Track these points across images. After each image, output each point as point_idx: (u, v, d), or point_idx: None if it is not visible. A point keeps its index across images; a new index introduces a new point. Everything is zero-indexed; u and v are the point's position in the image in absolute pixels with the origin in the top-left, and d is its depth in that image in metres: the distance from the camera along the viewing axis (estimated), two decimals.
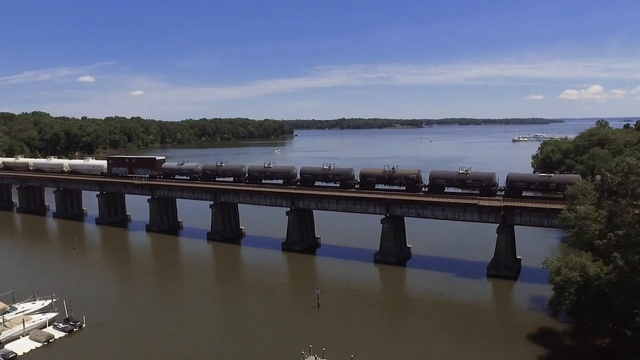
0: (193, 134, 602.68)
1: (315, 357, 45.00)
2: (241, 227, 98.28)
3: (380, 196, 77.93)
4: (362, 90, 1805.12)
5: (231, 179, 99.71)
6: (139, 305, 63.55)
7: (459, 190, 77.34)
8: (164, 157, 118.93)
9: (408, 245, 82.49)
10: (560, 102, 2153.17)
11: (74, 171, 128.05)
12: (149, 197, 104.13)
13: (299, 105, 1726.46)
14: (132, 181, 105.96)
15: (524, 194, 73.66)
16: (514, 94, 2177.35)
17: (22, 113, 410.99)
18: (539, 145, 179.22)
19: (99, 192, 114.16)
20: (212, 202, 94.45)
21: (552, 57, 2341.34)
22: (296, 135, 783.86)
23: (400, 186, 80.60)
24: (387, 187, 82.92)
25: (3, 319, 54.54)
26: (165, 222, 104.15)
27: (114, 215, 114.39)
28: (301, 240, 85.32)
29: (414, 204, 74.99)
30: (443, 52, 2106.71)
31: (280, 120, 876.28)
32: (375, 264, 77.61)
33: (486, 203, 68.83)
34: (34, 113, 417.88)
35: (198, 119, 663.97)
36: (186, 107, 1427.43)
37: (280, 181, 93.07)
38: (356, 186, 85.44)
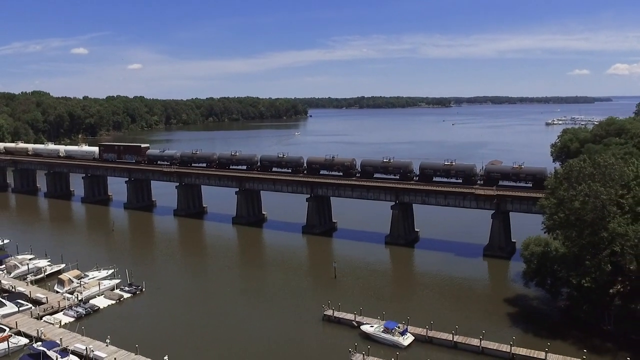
0: (199, 115, 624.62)
1: (333, 310, 65.33)
2: (263, 212, 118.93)
3: (390, 185, 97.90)
4: (384, 64, 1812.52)
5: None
6: (183, 275, 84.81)
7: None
8: (148, 145, 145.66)
9: (416, 230, 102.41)
10: (608, 77, 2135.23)
11: (69, 156, 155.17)
12: (177, 183, 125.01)
13: (313, 81, 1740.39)
14: (161, 169, 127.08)
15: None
16: (555, 69, 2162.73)
17: (22, 92, 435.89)
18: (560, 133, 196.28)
19: (127, 179, 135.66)
20: (237, 189, 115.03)
21: (600, 26, 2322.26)
22: (310, 116, 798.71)
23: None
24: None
25: (81, 283, 75.81)
26: (191, 207, 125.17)
27: (141, 201, 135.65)
28: (319, 224, 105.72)
29: (420, 192, 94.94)
30: (475, 20, 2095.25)
31: (293, 98, 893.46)
32: (386, 245, 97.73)
33: (482, 192, 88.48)
34: (34, 93, 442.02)
35: (205, 98, 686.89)
36: (190, 83, 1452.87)
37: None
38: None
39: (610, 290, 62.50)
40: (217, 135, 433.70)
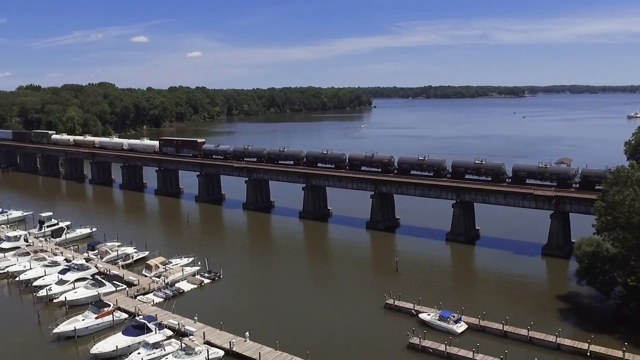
0: (261, 105, 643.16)
1: (393, 299, 75.16)
2: (329, 208, 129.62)
3: (451, 184, 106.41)
4: (453, 50, 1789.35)
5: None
6: (254, 265, 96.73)
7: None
8: (204, 140, 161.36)
9: (477, 228, 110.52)
10: None
11: (132, 149, 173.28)
12: (246, 178, 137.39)
13: (377, 69, 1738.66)
14: (231, 164, 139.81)
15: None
16: None
17: (89, 84, 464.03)
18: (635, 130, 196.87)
19: (198, 173, 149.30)
20: (304, 185, 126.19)
21: None
22: (375, 107, 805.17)
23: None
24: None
25: (166, 268, 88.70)
26: (259, 201, 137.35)
27: (211, 194, 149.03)
28: (383, 220, 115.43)
29: (480, 192, 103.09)
30: (552, 2, 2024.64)
31: (356, 87, 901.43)
32: (447, 242, 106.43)
33: (540, 192, 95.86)
34: (100, 84, 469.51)
35: (266, 89, 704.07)
36: (250, 71, 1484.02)
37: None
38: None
39: None
40: (278, 128, 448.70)
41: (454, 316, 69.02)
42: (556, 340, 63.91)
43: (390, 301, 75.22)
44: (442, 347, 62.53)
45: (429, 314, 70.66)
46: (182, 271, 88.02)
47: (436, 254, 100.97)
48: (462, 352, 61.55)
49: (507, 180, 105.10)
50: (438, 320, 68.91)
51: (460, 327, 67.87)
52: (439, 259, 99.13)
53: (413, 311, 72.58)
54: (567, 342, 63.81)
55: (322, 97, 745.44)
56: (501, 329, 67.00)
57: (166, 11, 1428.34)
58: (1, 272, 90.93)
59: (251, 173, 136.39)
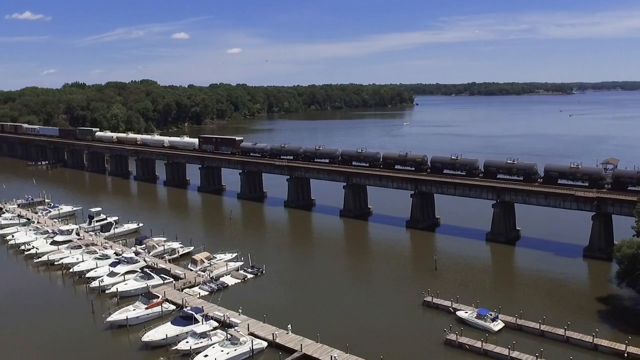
0: (301, 102, 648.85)
1: (432, 296, 77.91)
2: (369, 206, 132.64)
3: (492, 184, 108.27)
4: (498, 46, 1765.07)
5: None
6: (296, 261, 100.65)
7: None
8: (242, 138, 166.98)
9: (518, 228, 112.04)
10: None
11: (172, 146, 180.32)
12: (288, 176, 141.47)
13: (419, 65, 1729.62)
14: (273, 162, 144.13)
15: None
16: None
17: (132, 81, 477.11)
18: None
19: (240, 170, 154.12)
20: (344, 183, 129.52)
21: None
22: (417, 104, 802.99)
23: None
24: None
25: (211, 263, 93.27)
26: (300, 199, 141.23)
27: (253, 192, 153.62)
28: (423, 219, 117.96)
29: (521, 192, 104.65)
30: None
31: (398, 84, 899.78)
32: (487, 242, 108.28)
33: (581, 194, 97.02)
34: (143, 81, 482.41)
35: (307, 85, 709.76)
36: (290, 67, 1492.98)
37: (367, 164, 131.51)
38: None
39: None
40: (318, 125, 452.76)
41: (491, 314, 71.40)
42: (593, 341, 65.62)
43: (429, 298, 78.00)
44: (478, 344, 65.03)
45: (466, 312, 73.18)
46: (226, 266, 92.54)
47: (475, 253, 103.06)
48: (498, 349, 63.95)
49: (538, 180, 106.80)
50: (475, 318, 71.38)
51: (497, 325, 70.19)
52: (478, 258, 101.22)
53: (451, 309, 75.18)
54: (604, 342, 65.48)
55: (363, 94, 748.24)
56: (538, 328, 69.02)
57: (207, 8, 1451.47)
58: (56, 263, 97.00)
59: (292, 171, 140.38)
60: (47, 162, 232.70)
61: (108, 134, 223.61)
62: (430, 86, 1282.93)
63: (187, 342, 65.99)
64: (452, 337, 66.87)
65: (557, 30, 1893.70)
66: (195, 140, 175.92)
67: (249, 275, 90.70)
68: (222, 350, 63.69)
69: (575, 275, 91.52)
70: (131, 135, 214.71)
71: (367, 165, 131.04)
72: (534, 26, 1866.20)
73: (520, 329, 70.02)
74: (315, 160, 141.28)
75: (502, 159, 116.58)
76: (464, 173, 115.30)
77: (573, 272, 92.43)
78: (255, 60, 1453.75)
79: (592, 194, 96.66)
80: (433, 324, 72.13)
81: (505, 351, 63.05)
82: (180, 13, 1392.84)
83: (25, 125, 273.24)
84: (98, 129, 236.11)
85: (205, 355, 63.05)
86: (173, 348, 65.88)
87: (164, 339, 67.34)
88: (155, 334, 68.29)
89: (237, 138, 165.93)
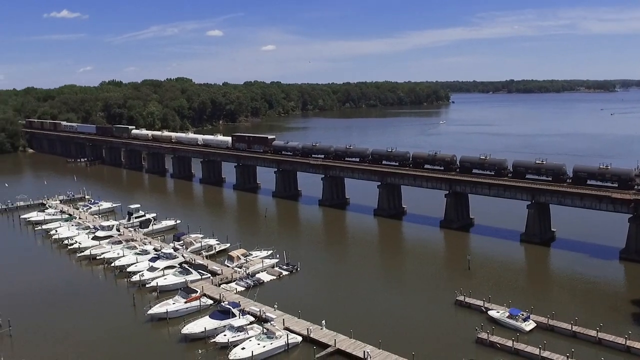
0: (336, 100, 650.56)
1: (464, 296, 79.70)
2: (403, 206, 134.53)
3: (526, 185, 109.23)
4: (537, 42, 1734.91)
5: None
6: (330, 259, 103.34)
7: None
8: (274, 136, 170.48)
9: (553, 229, 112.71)
10: None
11: (206, 144, 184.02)
12: (322, 175, 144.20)
13: (456, 62, 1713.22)
14: (307, 161, 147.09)
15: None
16: None
17: (167, 79, 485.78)
18: None
19: (275, 169, 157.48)
20: (379, 183, 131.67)
21: None
22: (453, 102, 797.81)
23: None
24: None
25: (247, 260, 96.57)
26: (335, 198, 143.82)
27: (288, 190, 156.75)
28: (457, 219, 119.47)
29: (556, 194, 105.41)
30: None
31: (434, 82, 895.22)
32: (521, 243, 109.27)
33: (618, 195, 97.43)
34: (178, 79, 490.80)
35: (341, 83, 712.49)
36: (324, 64, 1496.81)
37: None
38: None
39: None
40: (353, 124, 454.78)
41: (522, 314, 72.91)
42: (626, 343, 66.54)
43: (461, 298, 79.81)
44: (509, 343, 66.68)
45: (498, 312, 74.79)
46: (261, 263, 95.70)
47: (509, 254, 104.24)
48: (530, 349, 65.48)
49: (567, 180, 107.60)
50: (507, 317, 72.96)
51: (529, 325, 71.67)
52: (512, 259, 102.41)
53: (483, 308, 76.85)
54: (637, 345, 66.30)
55: (399, 92, 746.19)
56: (570, 328, 70.26)
57: (240, 5, 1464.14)
58: (98, 258, 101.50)
59: (327, 170, 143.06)
60: (85, 159, 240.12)
61: (143, 131, 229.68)
62: (467, 83, 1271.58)
63: (224, 335, 69.22)
64: (484, 335, 68.65)
65: (599, 25, 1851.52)
66: (228, 139, 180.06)
67: (284, 272, 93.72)
68: (258, 344, 66.68)
69: (610, 278, 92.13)
70: (166, 133, 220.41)
71: (397, 164, 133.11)
72: (575, 21, 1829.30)
73: (552, 330, 71.35)
74: (346, 159, 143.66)
75: (531, 159, 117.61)
76: (493, 173, 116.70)
77: (608, 275, 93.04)
78: (289, 57, 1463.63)
79: (629, 196, 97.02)
80: (465, 322, 73.96)
81: (536, 350, 64.57)
82: (214, 10, 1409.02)
83: (64, 123, 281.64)
84: (134, 127, 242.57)
85: (243, 348, 66.07)
86: (211, 340, 69.19)
87: (202, 331, 70.70)
88: (194, 327, 71.71)
89: (269, 136, 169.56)
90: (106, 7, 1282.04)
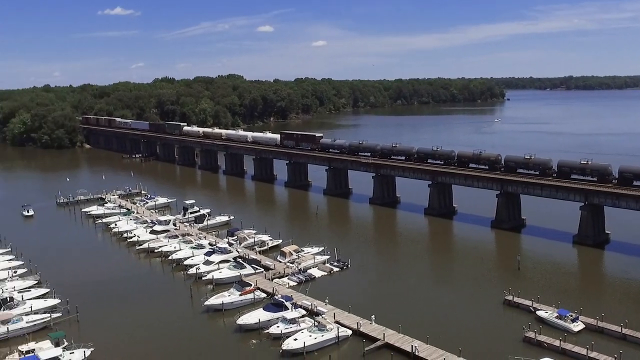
0: (387, 97, 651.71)
1: (513, 295, 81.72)
2: (454, 205, 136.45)
3: (579, 186, 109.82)
4: (598, 36, 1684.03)
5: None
6: (380, 257, 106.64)
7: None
8: (322, 134, 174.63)
9: (607, 232, 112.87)
10: None
11: (255, 141, 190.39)
12: (374, 174, 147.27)
13: (511, 57, 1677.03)
14: (359, 159, 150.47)
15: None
16: None
17: (219, 76, 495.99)
18: None
19: (327, 167, 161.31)
20: (430, 182, 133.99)
21: None
22: (508, 99, 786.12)
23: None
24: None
25: (299, 255, 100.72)
26: (385, 197, 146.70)
27: (339, 188, 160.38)
28: (508, 219, 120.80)
29: (609, 195, 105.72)
30: None
31: (489, 78, 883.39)
32: (573, 245, 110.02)
33: None
34: (229, 76, 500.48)
35: (393, 80, 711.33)
36: (375, 60, 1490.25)
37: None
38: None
39: None
40: (404, 121, 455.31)
41: (571, 315, 74.50)
42: None
43: (510, 297, 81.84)
44: (556, 343, 68.53)
45: (546, 312, 76.58)
46: (313, 259, 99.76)
47: (560, 255, 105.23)
48: (577, 349, 67.09)
49: (613, 181, 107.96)
50: (555, 318, 74.70)
51: (577, 326, 73.25)
52: (563, 260, 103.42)
53: (531, 308, 78.71)
54: None
55: (452, 89, 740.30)
56: (620, 331, 71.50)
57: (291, 0, 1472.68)
58: (156, 251, 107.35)
59: (379, 169, 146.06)
60: (140, 155, 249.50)
61: (194, 128, 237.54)
62: (524, 80, 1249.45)
63: (277, 326, 73.38)
64: (531, 334, 70.71)
65: None
66: (277, 136, 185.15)
67: (335, 269, 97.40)
68: (310, 335, 70.51)
69: None
70: (216, 130, 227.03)
71: (442, 163, 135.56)
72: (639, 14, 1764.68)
73: (602, 331, 72.67)
74: (392, 157, 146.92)
75: (576, 159, 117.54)
76: (537, 173, 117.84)
77: None
78: (339, 52, 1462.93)
79: None
80: (512, 321, 76.02)
81: (583, 351, 66.16)
82: (264, 6, 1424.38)
83: (119, 119, 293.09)
84: (185, 124, 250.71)
85: (295, 339, 70.04)
86: (265, 332, 73.50)
87: (256, 322, 75.01)
88: (248, 318, 76.14)
89: (317, 134, 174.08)
90: (158, 3, 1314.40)
